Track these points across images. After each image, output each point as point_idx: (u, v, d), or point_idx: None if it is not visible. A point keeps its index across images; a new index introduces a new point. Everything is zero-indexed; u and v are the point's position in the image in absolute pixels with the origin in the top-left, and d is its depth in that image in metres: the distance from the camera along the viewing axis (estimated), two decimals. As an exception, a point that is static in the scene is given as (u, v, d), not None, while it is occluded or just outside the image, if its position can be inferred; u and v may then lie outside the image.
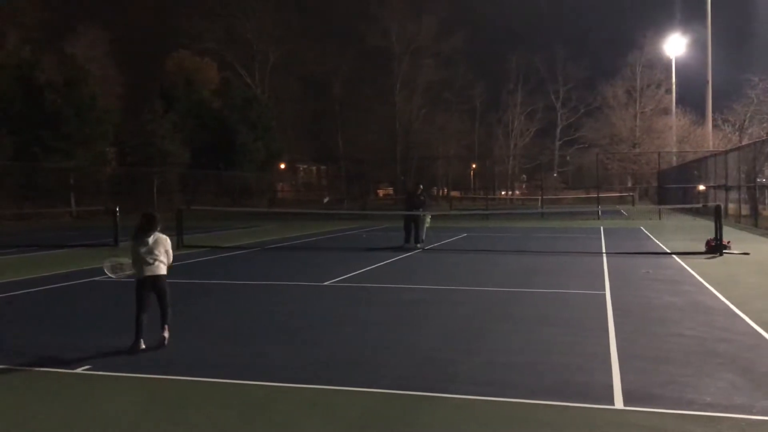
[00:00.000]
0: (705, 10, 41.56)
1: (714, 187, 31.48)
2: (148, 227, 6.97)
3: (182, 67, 57.67)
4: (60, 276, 12.65)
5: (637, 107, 69.51)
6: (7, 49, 41.91)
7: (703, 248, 15.52)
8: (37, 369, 6.06)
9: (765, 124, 48.13)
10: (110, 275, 7.55)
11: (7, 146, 37.72)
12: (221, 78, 60.72)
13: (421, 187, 19.25)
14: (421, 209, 18.11)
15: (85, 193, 41.22)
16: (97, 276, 12.52)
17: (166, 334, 6.90)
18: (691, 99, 62.00)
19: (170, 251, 7.12)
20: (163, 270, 6.97)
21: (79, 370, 5.97)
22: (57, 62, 43.44)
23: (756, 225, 23.30)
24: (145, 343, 6.69)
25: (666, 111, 63.00)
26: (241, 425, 4.64)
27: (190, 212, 26.99)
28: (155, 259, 6.91)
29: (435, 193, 69.14)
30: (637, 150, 64.97)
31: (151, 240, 6.92)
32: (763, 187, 25.99)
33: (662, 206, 36.15)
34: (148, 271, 6.87)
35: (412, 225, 17.91)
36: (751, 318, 7.91)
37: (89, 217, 36.97)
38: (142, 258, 6.88)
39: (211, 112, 54.62)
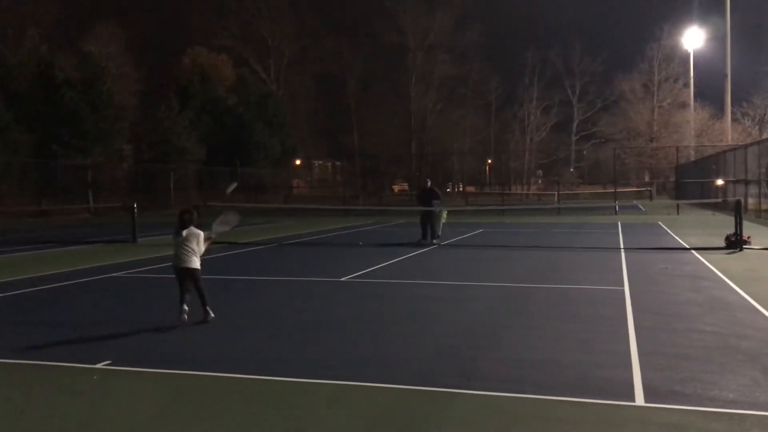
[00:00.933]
0: (724, 2, 41.07)
1: (733, 182, 31.16)
2: (183, 223, 7.74)
3: (198, 64, 57.94)
4: (79, 272, 12.76)
5: (655, 101, 68.92)
6: (25, 47, 42.30)
7: (722, 243, 15.36)
8: (58, 364, 6.12)
9: (785, 118, 47.57)
10: (222, 228, 8.43)
11: (26, 144, 38.12)
12: (237, 75, 60.96)
13: (429, 182, 19.19)
14: (435, 203, 18.07)
15: (103, 190, 41.61)
16: (115, 272, 12.64)
17: (211, 313, 7.75)
18: (709, 92, 61.30)
19: (201, 244, 7.79)
20: (194, 263, 7.68)
21: (99, 366, 6.02)
22: (74, 60, 43.83)
23: (776, 220, 23.04)
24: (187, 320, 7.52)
25: (684, 105, 62.43)
26: (261, 421, 4.65)
27: (206, 208, 27.11)
28: (186, 253, 7.64)
29: (450, 188, 68.95)
30: (655, 144, 64.47)
31: (184, 233, 7.67)
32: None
33: (680, 201, 35.84)
34: (179, 263, 7.68)
35: (428, 221, 17.86)
36: (772, 314, 7.82)
37: (107, 213, 37.31)
38: (177, 250, 7.71)
39: (227, 109, 54.86)
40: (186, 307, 7.57)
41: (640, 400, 4.90)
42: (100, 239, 20.61)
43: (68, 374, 5.84)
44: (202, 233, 7.81)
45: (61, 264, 14.11)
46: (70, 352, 6.54)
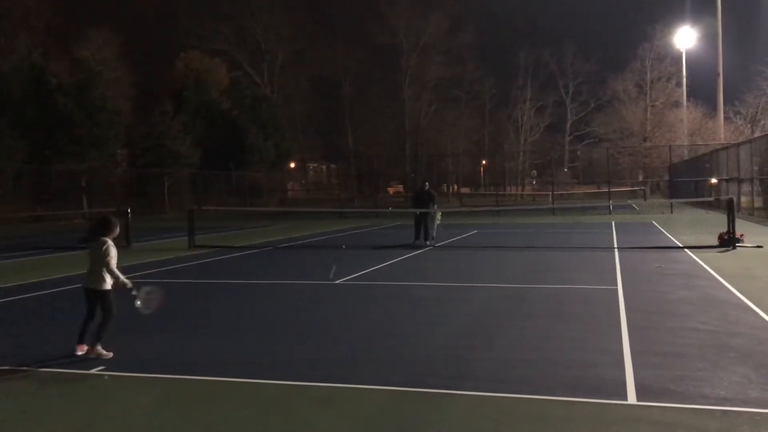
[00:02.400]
0: (715, 1, 41.26)
1: (726, 180, 31.28)
2: (90, 234, 6.63)
3: (192, 68, 57.85)
4: (73, 278, 12.72)
5: (648, 101, 69.10)
6: (19, 53, 42.19)
7: (715, 242, 15.43)
8: (52, 370, 6.12)
9: (777, 116, 47.76)
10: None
11: (20, 149, 38.02)
12: (231, 78, 60.90)
13: (427, 184, 19.24)
14: (431, 205, 18.12)
15: (97, 195, 41.48)
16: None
17: (100, 351, 6.43)
18: (702, 91, 61.64)
19: (110, 262, 6.46)
20: (99, 284, 6.49)
21: (93, 371, 6.02)
22: (68, 65, 43.73)
23: (769, 218, 23.14)
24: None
25: (677, 104, 62.59)
26: (255, 424, 4.67)
27: (201, 212, 27.10)
28: (91, 270, 6.55)
29: (445, 190, 69.01)
30: (648, 144, 64.62)
31: (91, 248, 6.56)
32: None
33: (674, 200, 35.95)
34: (85, 283, 6.63)
35: (422, 222, 17.91)
36: (765, 312, 7.87)
37: (101, 218, 37.15)
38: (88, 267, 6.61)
39: (221, 113, 54.81)
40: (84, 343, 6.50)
41: (632, 398, 4.93)
42: (95, 244, 20.56)
43: (61, 380, 5.84)
44: (110, 247, 6.50)
45: (55, 270, 14.07)
46: (63, 358, 6.53)
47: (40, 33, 47.91)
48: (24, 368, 6.20)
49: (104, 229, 6.63)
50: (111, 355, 6.43)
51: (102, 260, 6.44)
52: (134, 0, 71.42)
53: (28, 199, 37.89)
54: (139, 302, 6.66)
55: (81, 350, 6.48)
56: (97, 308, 6.56)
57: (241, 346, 6.92)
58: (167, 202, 44.13)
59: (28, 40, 43.83)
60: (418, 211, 18.30)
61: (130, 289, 6.60)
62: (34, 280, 12.40)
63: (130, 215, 20.06)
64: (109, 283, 6.52)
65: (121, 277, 6.57)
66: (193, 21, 61.99)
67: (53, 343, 7.16)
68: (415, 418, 4.68)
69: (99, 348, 6.44)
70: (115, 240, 6.71)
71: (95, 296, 6.53)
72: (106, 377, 5.87)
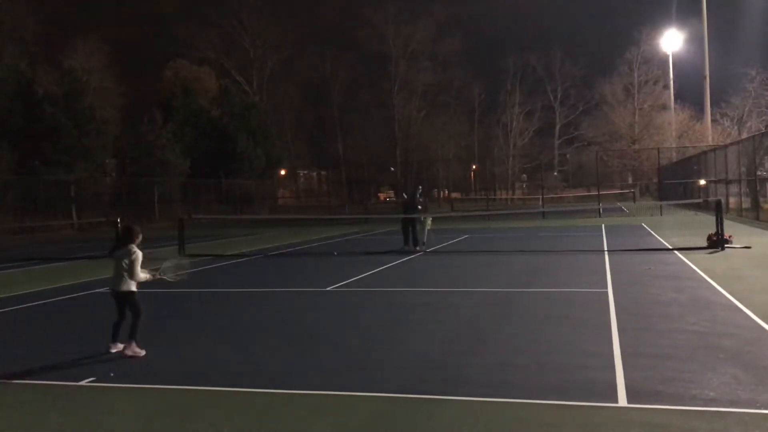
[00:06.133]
0: (701, 4, 41.63)
1: (714, 182, 31.49)
2: (118, 242, 7.13)
3: (180, 77, 57.79)
4: (63, 289, 12.66)
5: (636, 104, 69.53)
6: (5, 63, 41.97)
7: (704, 243, 15.52)
8: (42, 382, 6.07)
9: (764, 117, 48.17)
10: (169, 278, 7.48)
11: (8, 160, 37.76)
12: (220, 86, 60.88)
13: (420, 188, 19.28)
14: (418, 209, 18.15)
15: (87, 205, 41.26)
16: (99, 288, 12.54)
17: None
18: (689, 94, 61.97)
19: (136, 267, 6.88)
20: (126, 286, 6.92)
21: (83, 383, 5.98)
22: (56, 75, 43.54)
23: (757, 218, 23.29)
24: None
25: (664, 107, 63.04)
26: (246, 433, 4.65)
27: (191, 221, 27.01)
28: (118, 275, 6.94)
29: (436, 195, 69.16)
30: (637, 146, 64.98)
31: (118, 255, 6.97)
32: (763, 180, 25.99)
33: (663, 202, 36.14)
34: (112, 286, 7.07)
35: (410, 228, 17.90)
36: (753, 312, 7.91)
37: (91, 228, 36.99)
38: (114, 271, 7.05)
39: (210, 121, 54.72)
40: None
41: (623, 401, 4.95)
42: (84, 255, 20.46)
43: (51, 392, 5.79)
44: (138, 253, 6.95)
45: (44, 281, 13.99)
46: (53, 370, 6.49)
47: (27, 43, 47.71)
48: (12, 381, 6.15)
49: (129, 237, 7.05)
50: (144, 353, 6.81)
51: (129, 265, 6.85)
52: (122, 10, 71.33)
53: (16, 210, 37.62)
54: (169, 277, 7.37)
55: (115, 348, 6.91)
56: (126, 309, 7.00)
57: (230, 355, 6.90)
58: (157, 210, 43.94)
59: (15, 50, 43.60)
60: (402, 216, 18.34)
61: (159, 277, 7.23)
62: (21, 292, 12.31)
63: (119, 225, 19.97)
64: (133, 284, 6.96)
65: (149, 275, 7.06)
66: (182, 29, 61.97)
67: (41, 355, 7.11)
68: (406, 425, 4.68)
69: (134, 346, 6.83)
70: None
71: (122, 298, 6.98)
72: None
